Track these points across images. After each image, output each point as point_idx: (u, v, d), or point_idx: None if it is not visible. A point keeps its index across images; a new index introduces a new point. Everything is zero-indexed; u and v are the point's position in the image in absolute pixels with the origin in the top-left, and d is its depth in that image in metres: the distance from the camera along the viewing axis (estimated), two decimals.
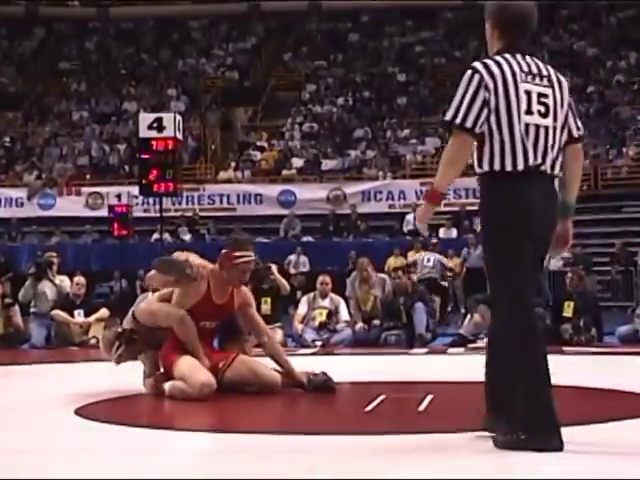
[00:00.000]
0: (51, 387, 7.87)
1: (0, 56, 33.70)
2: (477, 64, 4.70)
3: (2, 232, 24.57)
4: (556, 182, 4.80)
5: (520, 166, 4.61)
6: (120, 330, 7.45)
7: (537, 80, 4.69)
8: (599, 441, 4.97)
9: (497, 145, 4.63)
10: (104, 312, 13.07)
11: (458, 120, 4.59)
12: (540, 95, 4.68)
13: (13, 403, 6.98)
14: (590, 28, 31.53)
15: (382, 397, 6.46)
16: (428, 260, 18.27)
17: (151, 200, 21.86)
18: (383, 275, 13.73)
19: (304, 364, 7.47)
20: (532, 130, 4.64)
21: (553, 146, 4.70)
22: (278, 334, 11.67)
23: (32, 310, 13.97)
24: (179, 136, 17.33)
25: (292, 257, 20.79)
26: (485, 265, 4.81)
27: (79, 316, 13.20)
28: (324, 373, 7.06)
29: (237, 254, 7.06)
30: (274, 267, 13.22)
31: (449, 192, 18.41)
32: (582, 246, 21.46)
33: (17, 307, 13.62)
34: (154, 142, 16.71)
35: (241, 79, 32.35)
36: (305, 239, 22.68)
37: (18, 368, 10.18)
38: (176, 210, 23.72)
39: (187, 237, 22.96)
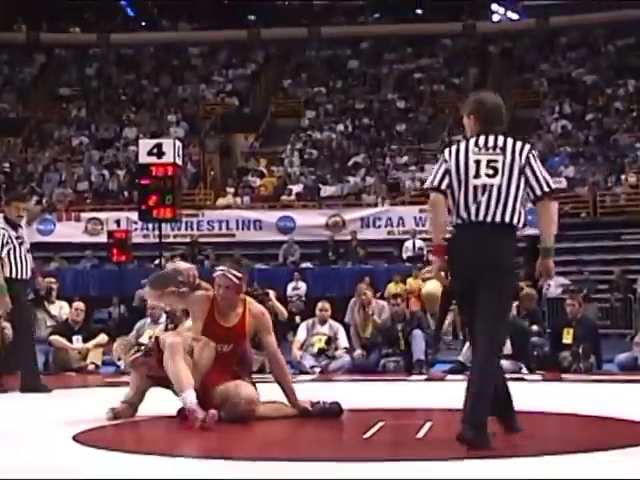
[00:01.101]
0: (49, 413, 7.84)
1: (1, 82, 33.79)
2: (447, 148, 5.99)
3: None
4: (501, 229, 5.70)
5: (465, 220, 5.71)
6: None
7: (490, 151, 5.78)
8: (600, 469, 4.96)
9: (452, 203, 5.80)
10: (102, 338, 13.08)
11: (428, 184, 5.92)
12: (490, 161, 5.76)
13: (11, 429, 6.95)
14: (589, 56, 31.65)
15: (381, 424, 6.44)
16: None
17: (150, 226, 21.86)
18: (382, 302, 13.71)
19: (303, 391, 7.45)
20: (479, 189, 5.72)
21: (506, 200, 5.69)
22: None
23: None
24: (178, 162, 17.35)
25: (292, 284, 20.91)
26: None
27: (77, 342, 13.16)
28: (324, 402, 7.08)
29: (216, 269, 7.30)
30: (272, 293, 13.21)
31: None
32: (581, 272, 21.50)
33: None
34: (154, 168, 16.73)
35: (241, 105, 32.43)
36: (304, 265, 22.66)
37: (15, 393, 10.13)
38: (175, 236, 23.74)
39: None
